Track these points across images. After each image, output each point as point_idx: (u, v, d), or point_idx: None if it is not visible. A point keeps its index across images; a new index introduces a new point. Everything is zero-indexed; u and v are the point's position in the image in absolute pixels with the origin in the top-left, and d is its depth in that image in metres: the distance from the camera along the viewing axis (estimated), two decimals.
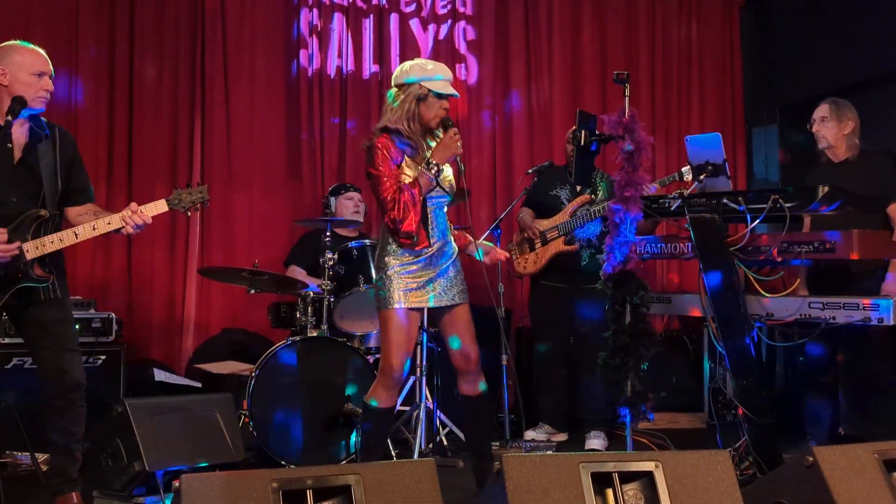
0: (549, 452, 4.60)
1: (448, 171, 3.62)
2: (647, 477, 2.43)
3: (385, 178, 3.44)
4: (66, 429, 3.49)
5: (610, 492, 2.40)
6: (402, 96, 3.53)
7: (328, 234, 4.76)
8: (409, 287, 3.50)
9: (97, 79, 5.66)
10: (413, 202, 3.43)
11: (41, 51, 3.44)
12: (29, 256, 3.35)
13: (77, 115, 5.59)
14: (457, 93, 3.59)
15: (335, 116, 6.09)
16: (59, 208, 3.51)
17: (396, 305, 3.48)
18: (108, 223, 3.39)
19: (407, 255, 3.52)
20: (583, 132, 3.47)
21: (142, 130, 5.75)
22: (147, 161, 5.75)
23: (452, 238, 3.70)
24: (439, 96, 3.53)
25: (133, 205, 3.42)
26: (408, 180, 3.46)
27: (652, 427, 4.86)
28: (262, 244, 5.84)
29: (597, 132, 3.56)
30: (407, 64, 3.58)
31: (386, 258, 3.55)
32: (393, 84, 3.59)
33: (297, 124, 6.04)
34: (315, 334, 4.56)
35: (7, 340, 4.56)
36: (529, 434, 5.08)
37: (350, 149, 6.06)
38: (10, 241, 3.32)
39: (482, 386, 3.67)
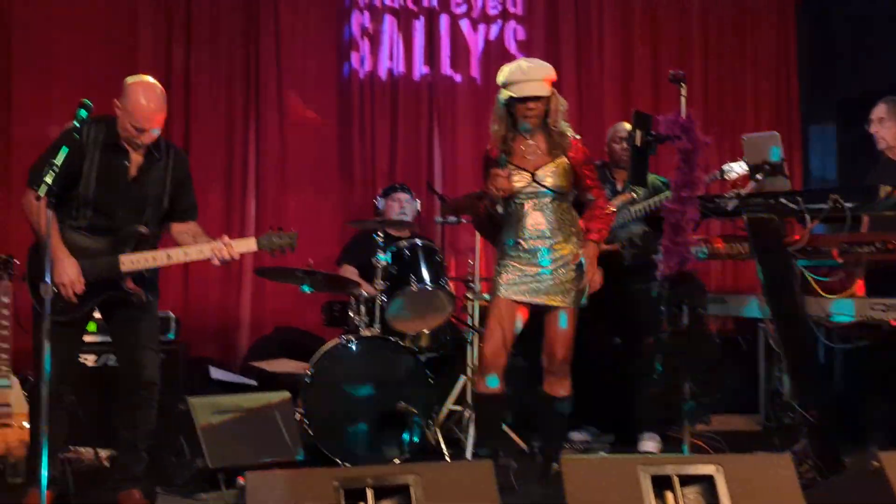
0: (602, 453, 4.61)
1: (552, 166, 3.73)
2: (708, 481, 2.42)
3: (483, 191, 3.82)
4: (136, 425, 3.61)
5: (669, 495, 2.40)
6: (497, 100, 3.72)
7: (380, 234, 4.79)
8: (511, 279, 3.69)
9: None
10: (479, 224, 3.91)
11: (155, 105, 3.51)
12: (123, 269, 3.52)
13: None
14: (538, 94, 3.66)
15: (386, 118, 6.12)
16: (160, 227, 3.69)
17: (497, 293, 3.76)
18: (200, 251, 3.60)
19: (511, 248, 3.76)
20: (638, 132, 3.46)
21: (198, 134, 5.84)
22: (203, 164, 5.81)
23: (569, 238, 3.77)
24: (518, 100, 3.66)
25: (225, 237, 3.60)
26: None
27: (706, 429, 4.81)
28: (314, 244, 5.79)
29: (652, 132, 3.54)
30: (504, 66, 3.75)
31: (499, 245, 3.82)
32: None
33: (348, 126, 6.09)
34: (368, 334, 4.58)
35: (91, 339, 4.64)
36: (575, 436, 5.04)
37: (401, 150, 6.09)
38: (109, 253, 3.50)
39: (563, 390, 3.75)
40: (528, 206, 3.75)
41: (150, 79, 3.61)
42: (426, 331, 4.85)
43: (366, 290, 4.78)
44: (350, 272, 5.28)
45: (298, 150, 5.99)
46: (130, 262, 3.53)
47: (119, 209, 3.55)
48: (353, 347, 4.46)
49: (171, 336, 5.01)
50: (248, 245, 3.63)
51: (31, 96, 5.47)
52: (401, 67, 6.15)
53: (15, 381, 4.35)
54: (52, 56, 5.55)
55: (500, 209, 3.79)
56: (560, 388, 3.80)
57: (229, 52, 5.91)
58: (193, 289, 5.78)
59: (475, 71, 6.28)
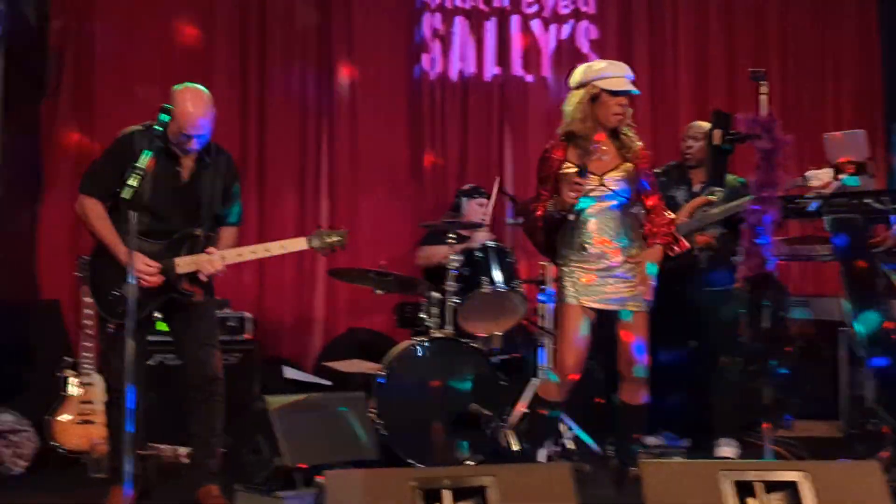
0: (679, 458, 4.53)
1: (620, 171, 3.70)
2: (792, 488, 2.36)
3: (540, 193, 3.69)
4: (205, 421, 3.70)
5: (752, 502, 2.34)
6: (576, 98, 3.61)
7: (452, 235, 4.79)
8: (580, 285, 3.61)
9: (230, 86, 5.88)
10: (532, 229, 3.65)
11: (202, 111, 3.59)
12: (179, 271, 3.63)
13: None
14: (635, 90, 3.65)
15: (456, 119, 6.13)
16: (213, 229, 3.78)
17: (566, 300, 3.62)
18: (253, 252, 3.73)
19: (576, 253, 3.67)
20: (718, 131, 3.40)
21: (272, 136, 5.93)
22: (277, 166, 5.93)
23: (635, 243, 3.75)
24: (613, 94, 3.56)
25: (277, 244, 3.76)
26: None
27: (786, 435, 4.69)
28: (386, 245, 5.90)
29: (732, 131, 3.47)
30: (580, 66, 3.66)
31: (563, 251, 3.70)
32: (571, 85, 3.69)
33: (419, 127, 6.12)
34: (439, 335, 4.60)
35: (154, 338, 4.77)
36: (650, 440, 4.97)
37: (471, 151, 6.09)
38: (165, 256, 3.61)
39: (639, 398, 3.71)
40: (594, 209, 3.69)
41: (197, 85, 3.70)
42: (498, 333, 4.84)
43: (437, 291, 4.77)
44: (433, 250, 5.25)
45: (370, 151, 6.04)
46: (186, 264, 3.62)
47: (173, 213, 3.65)
48: (425, 349, 4.49)
49: (246, 336, 5.10)
50: (297, 244, 3.71)
51: (111, 110, 5.61)
52: (472, 68, 6.15)
53: (98, 379, 4.51)
54: (129, 73, 5.72)
55: (571, 217, 3.73)
56: (637, 395, 3.75)
57: (303, 56, 5.99)
58: (269, 290, 5.86)
59: (546, 71, 6.24)
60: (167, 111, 3.43)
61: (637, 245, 3.80)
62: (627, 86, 3.62)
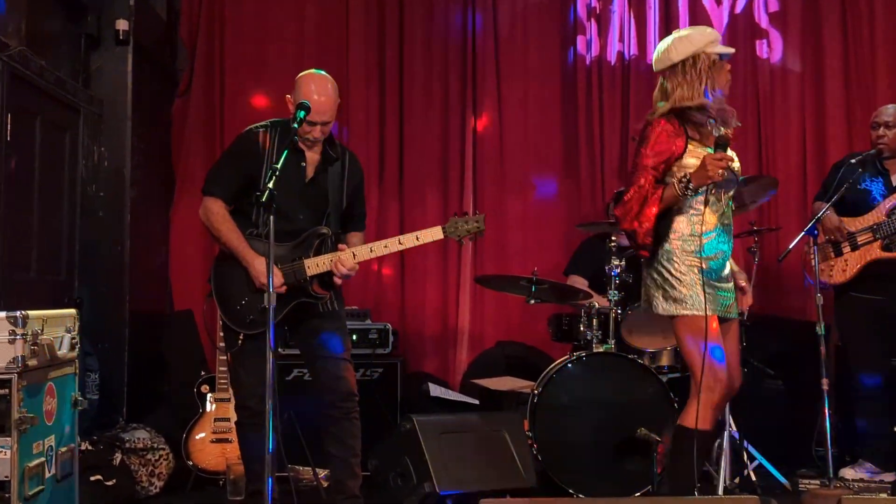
0: (884, 496, 4.28)
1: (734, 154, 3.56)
2: None
3: (642, 173, 3.45)
4: (343, 440, 3.75)
5: None
6: (693, 69, 3.50)
7: (613, 238, 4.72)
8: (706, 288, 3.43)
9: (367, 81, 6.00)
10: (640, 210, 3.42)
11: (326, 97, 3.68)
12: (309, 273, 3.69)
13: (349, 118, 5.94)
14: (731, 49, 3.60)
15: (616, 108, 6.04)
16: (341, 228, 3.86)
17: (695, 308, 3.42)
18: (385, 246, 3.73)
19: (696, 249, 3.46)
20: None
21: (412, 133, 6.02)
22: (417, 164, 6.01)
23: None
24: (723, 58, 3.52)
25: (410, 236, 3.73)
26: (690, 168, 3.42)
27: None
28: (538, 250, 5.89)
29: None
30: (673, 39, 3.53)
31: (673, 246, 3.50)
32: (667, 63, 3.53)
33: (573, 119, 6.06)
34: (601, 350, 4.57)
35: (286, 352, 4.92)
36: (849, 472, 4.73)
37: (634, 143, 5.96)
38: (293, 260, 3.68)
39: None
40: (712, 197, 3.50)
41: (321, 72, 3.78)
42: (668, 348, 4.76)
43: (597, 301, 4.74)
44: (579, 283, 5.24)
45: (518, 147, 6.04)
46: (315, 265, 3.68)
47: (299, 211, 3.74)
48: (585, 365, 4.45)
49: (388, 349, 5.18)
50: (433, 234, 3.72)
51: (242, 110, 5.86)
52: (633, 50, 6.03)
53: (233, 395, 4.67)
54: (261, 71, 5.95)
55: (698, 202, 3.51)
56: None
57: (444, 46, 6.04)
58: (410, 300, 5.95)
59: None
60: (305, 108, 3.51)
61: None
62: (731, 50, 3.57)
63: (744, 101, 5.91)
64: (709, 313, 3.38)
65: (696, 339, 3.39)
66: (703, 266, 3.43)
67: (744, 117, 5.92)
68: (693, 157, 3.45)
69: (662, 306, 3.47)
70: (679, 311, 3.43)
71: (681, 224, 3.49)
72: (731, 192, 3.59)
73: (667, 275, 3.46)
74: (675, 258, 3.46)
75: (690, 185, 3.39)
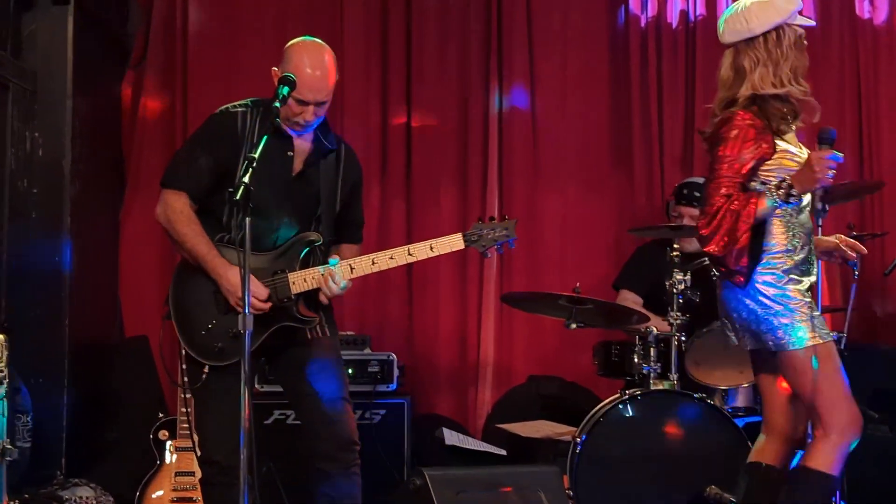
0: None
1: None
2: None
3: (725, 182, 3.45)
4: (338, 500, 3.71)
5: None
6: (778, 46, 3.51)
7: (675, 247, 4.70)
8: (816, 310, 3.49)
9: (367, 49, 6.02)
10: (731, 228, 3.42)
11: (322, 71, 3.64)
12: (294, 290, 3.64)
13: (343, 97, 5.93)
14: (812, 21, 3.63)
15: (678, 80, 6.03)
16: (334, 235, 3.83)
17: (820, 335, 3.46)
18: (391, 258, 3.66)
19: (800, 263, 3.51)
20: None
21: (422, 115, 6.05)
22: (430, 154, 6.03)
23: None
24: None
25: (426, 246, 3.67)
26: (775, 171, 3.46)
27: None
28: (580, 261, 5.90)
29: None
30: (751, 3, 3.52)
31: (775, 259, 3.52)
32: (744, 34, 3.54)
33: (625, 96, 6.07)
34: (661, 387, 4.57)
35: (266, 388, 4.93)
36: None
37: (701, 124, 5.94)
38: (275, 274, 3.64)
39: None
40: (804, 201, 3.57)
41: (316, 40, 3.75)
42: (744, 384, 4.75)
43: (656, 324, 4.73)
44: (632, 300, 5.23)
45: (556, 132, 6.05)
46: (302, 280, 3.64)
47: (283, 213, 3.70)
48: (640, 406, 4.45)
49: (392, 386, 5.17)
50: (451, 243, 3.67)
51: (209, 87, 5.87)
52: (700, 9, 6.04)
53: None
54: (233, 39, 6.00)
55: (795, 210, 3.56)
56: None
57: (463, 6, 6.06)
58: (420, 324, 5.96)
59: (809, 9, 6.01)
60: (290, 82, 3.50)
61: None
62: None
63: (840, 74, 5.90)
64: (828, 338, 3.46)
65: (825, 371, 3.44)
66: (806, 283, 3.50)
67: (839, 93, 5.90)
68: (787, 161, 3.48)
69: (772, 340, 3.49)
70: (810, 339, 3.45)
71: (778, 236, 3.51)
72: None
73: (767, 300, 3.48)
74: (776, 278, 3.49)
75: (794, 192, 3.41)
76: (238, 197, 3.12)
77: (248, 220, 3.15)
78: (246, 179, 3.15)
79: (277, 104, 3.47)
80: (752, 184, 3.48)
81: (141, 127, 5.98)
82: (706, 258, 4.81)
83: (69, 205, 5.29)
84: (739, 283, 3.51)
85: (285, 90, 3.48)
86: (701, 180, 5.27)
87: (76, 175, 5.35)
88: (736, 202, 3.41)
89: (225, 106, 3.78)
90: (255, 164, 3.20)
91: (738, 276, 3.50)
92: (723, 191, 3.44)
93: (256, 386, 4.99)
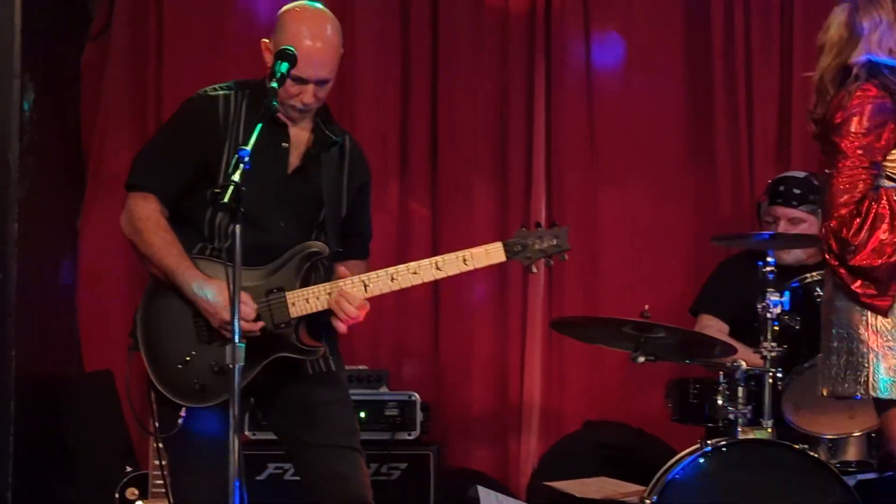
0: None
1: None
2: None
3: (850, 160, 3.45)
4: None
5: None
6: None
7: (769, 260, 4.69)
8: None
9: (383, 20, 6.07)
10: (869, 236, 3.45)
11: (324, 42, 3.66)
12: (294, 313, 3.64)
13: (354, 76, 5.96)
14: None
15: (773, 50, 6.04)
16: (342, 244, 3.83)
17: None
18: (414, 273, 3.65)
19: None
20: None
21: (451, 94, 6.06)
22: (460, 145, 6.05)
23: None
24: None
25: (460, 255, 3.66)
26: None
27: None
28: (649, 278, 5.91)
29: None
30: None
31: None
32: None
33: (704, 70, 6.09)
34: (752, 436, 4.55)
35: (258, 436, 4.92)
36: None
37: (801, 104, 5.93)
38: (269, 293, 3.62)
39: None
40: None
41: (315, 4, 3.74)
42: (856, 433, 4.72)
43: (745, 359, 4.70)
44: (714, 328, 5.23)
45: (618, 115, 6.08)
46: (304, 300, 3.63)
47: (278, 217, 3.69)
48: (726, 460, 4.45)
49: (416, 433, 5.20)
50: (489, 255, 3.67)
51: (188, 65, 5.93)
52: None
53: None
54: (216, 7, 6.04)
55: None
56: None
57: None
58: (449, 356, 5.97)
59: None
60: (289, 57, 3.50)
61: None
62: None
63: None
64: None
65: None
66: None
67: None
68: None
69: None
70: None
71: None
72: None
73: None
74: None
75: None
76: (226, 199, 3.10)
77: (237, 227, 3.14)
78: (236, 178, 3.13)
79: (275, 84, 3.47)
80: (881, 180, 3.49)
81: (104, 114, 6.00)
82: (810, 273, 4.81)
83: (15, 209, 5.27)
84: (881, 309, 3.51)
85: (284, 67, 3.48)
86: (802, 175, 5.30)
87: (24, 173, 5.35)
88: (885, 202, 3.45)
89: (203, 89, 3.78)
90: (247, 159, 3.19)
91: (883, 300, 3.50)
92: (861, 186, 3.44)
93: (246, 433, 5.01)
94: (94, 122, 6.02)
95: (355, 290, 3.63)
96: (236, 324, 3.11)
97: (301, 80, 3.60)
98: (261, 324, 3.57)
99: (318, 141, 3.77)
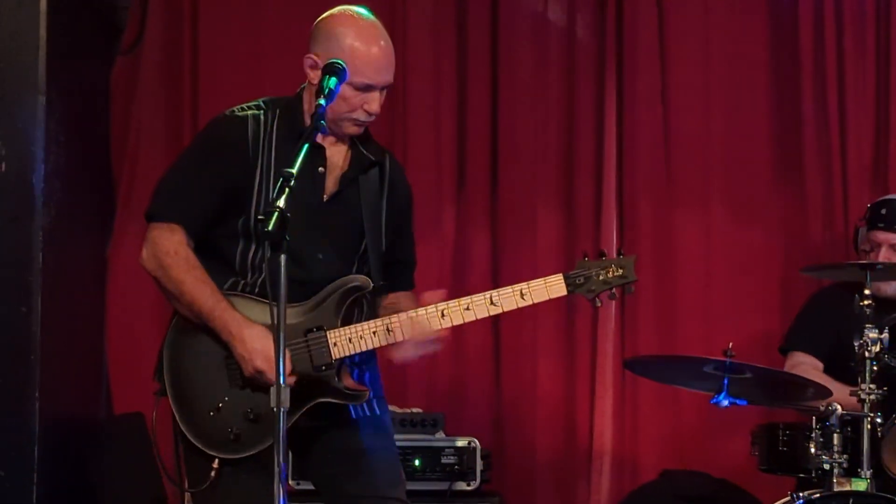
0: None
1: None
2: None
3: None
4: None
5: None
6: None
7: (867, 293, 4.64)
8: None
9: (436, 32, 6.08)
10: None
11: (378, 49, 3.65)
12: (336, 354, 3.63)
13: (405, 88, 5.97)
14: None
15: (868, 58, 6.02)
16: (386, 276, 3.82)
17: None
18: (467, 309, 3.64)
19: None
20: None
21: (513, 113, 6.07)
22: (522, 165, 6.05)
23: None
24: None
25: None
26: None
27: None
28: (733, 313, 5.88)
29: None
30: None
31: None
32: None
33: (792, 87, 6.08)
34: (848, 488, 4.50)
35: (301, 486, 4.89)
36: None
37: None
38: (308, 332, 3.63)
39: None
40: None
41: (361, 10, 3.72)
42: None
43: (840, 401, 4.65)
44: (808, 366, 5.17)
45: (696, 132, 6.06)
46: (346, 340, 3.63)
47: (316, 249, 3.69)
48: None
49: (476, 483, 5.17)
50: (549, 289, 3.67)
51: (225, 79, 5.97)
52: None
53: None
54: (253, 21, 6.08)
55: None
56: None
57: None
58: (511, 398, 5.96)
59: None
60: (338, 71, 3.48)
61: None
62: None
63: None
64: None
65: None
66: None
67: None
68: None
69: None
70: None
71: None
72: None
73: None
74: None
75: None
76: (270, 227, 3.07)
77: (283, 257, 3.10)
78: (281, 203, 3.11)
79: (322, 102, 3.46)
80: None
81: (135, 134, 6.03)
82: None
83: (40, 237, 5.29)
84: None
85: (332, 82, 3.47)
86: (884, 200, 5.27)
87: (49, 198, 5.37)
88: None
89: (230, 108, 3.78)
90: (292, 183, 3.17)
91: None
92: None
93: (290, 483, 4.98)
94: (124, 144, 6.04)
95: (428, 320, 3.63)
96: (281, 364, 3.07)
97: (368, 88, 3.61)
98: (294, 378, 3.51)
99: (355, 162, 3.77)
